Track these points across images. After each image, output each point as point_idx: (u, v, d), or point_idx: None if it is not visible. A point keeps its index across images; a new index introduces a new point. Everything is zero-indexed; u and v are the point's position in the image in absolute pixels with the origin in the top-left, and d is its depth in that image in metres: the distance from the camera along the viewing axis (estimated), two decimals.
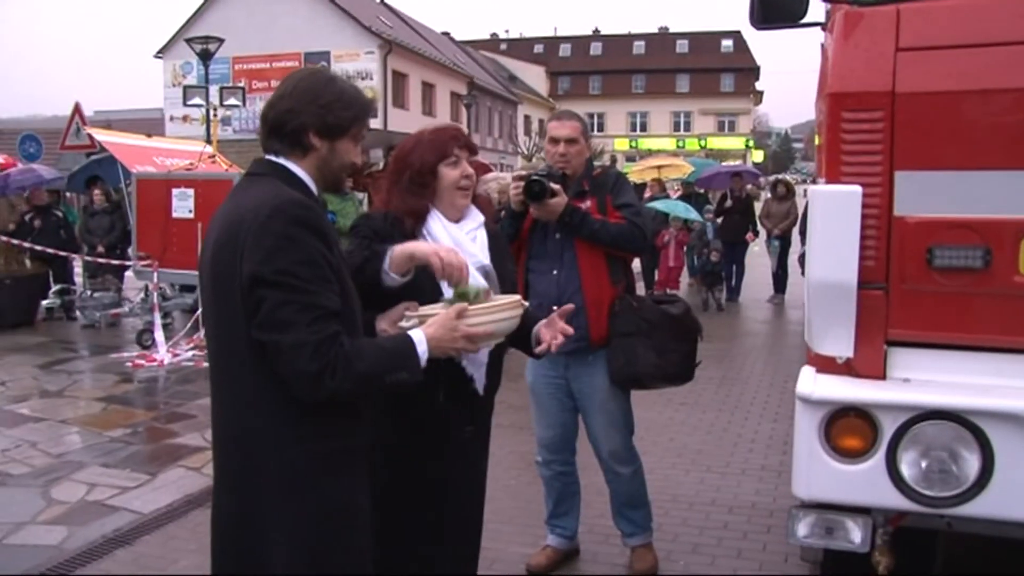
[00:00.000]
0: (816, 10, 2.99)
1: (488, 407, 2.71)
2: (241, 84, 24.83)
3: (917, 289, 2.60)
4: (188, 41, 16.58)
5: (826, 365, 2.71)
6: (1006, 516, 2.49)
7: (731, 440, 6.14)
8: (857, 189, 2.52)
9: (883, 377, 2.64)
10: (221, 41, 16.18)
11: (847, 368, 2.66)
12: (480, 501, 2.77)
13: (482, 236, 2.64)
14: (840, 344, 2.61)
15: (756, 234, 13.27)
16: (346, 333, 1.94)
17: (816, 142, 3.03)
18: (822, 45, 3.54)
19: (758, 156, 59.40)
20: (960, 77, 2.52)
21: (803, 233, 12.33)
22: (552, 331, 2.52)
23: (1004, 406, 2.44)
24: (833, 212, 2.55)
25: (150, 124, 31.67)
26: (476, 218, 2.64)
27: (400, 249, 2.35)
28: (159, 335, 9.46)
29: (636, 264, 12.12)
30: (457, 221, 2.60)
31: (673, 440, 6.10)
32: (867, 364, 2.63)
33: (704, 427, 6.48)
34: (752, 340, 10.48)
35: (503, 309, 2.23)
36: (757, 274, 13.83)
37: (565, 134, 3.71)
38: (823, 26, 3.12)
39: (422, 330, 2.07)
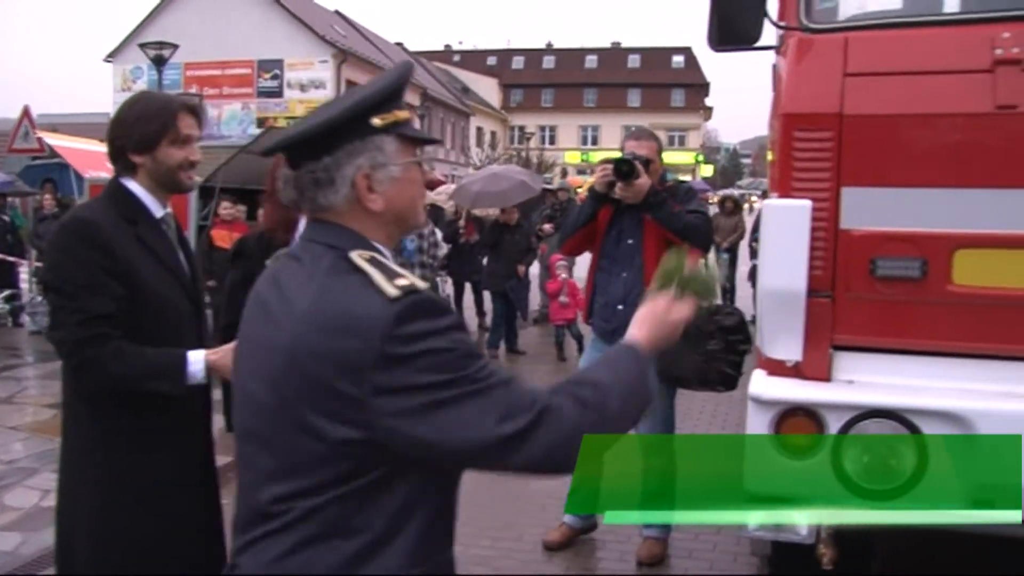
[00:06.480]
0: (769, 34, 3.18)
1: None
2: (195, 91, 24.56)
3: (861, 297, 2.79)
4: (142, 46, 16.32)
5: (776, 368, 2.89)
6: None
7: None
8: (807, 203, 2.71)
9: (828, 379, 2.82)
10: (175, 47, 16.01)
11: (795, 371, 2.84)
12: None
13: None
14: (789, 348, 2.80)
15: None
16: (120, 335, 2.14)
17: (769, 158, 3.21)
18: (774, 67, 3.74)
19: (707, 171, 60.37)
20: (902, 101, 2.73)
21: (751, 247, 12.62)
22: None
23: (938, 405, 2.65)
24: (784, 225, 2.74)
25: (97, 129, 30.95)
26: None
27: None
28: None
29: None
30: None
31: None
32: (814, 367, 2.82)
33: None
34: None
35: None
36: None
37: (643, 155, 3.84)
38: (776, 49, 3.31)
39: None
